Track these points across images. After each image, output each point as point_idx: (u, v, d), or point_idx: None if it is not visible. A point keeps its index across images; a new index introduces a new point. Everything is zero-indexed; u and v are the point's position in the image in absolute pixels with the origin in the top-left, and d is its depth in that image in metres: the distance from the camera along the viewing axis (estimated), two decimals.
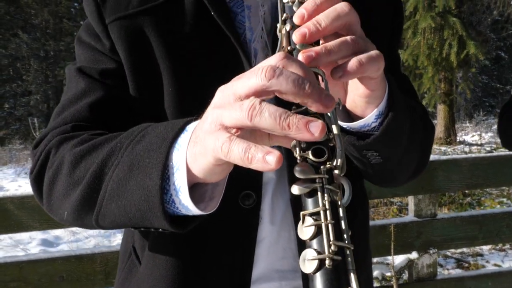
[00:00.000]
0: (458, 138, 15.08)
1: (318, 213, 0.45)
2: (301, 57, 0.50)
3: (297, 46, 0.52)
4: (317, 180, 0.46)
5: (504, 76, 30.64)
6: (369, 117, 0.64)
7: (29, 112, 26.57)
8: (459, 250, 4.09)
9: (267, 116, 0.43)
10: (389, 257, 2.17)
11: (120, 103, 0.78)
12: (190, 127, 0.55)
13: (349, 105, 0.65)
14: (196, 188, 0.57)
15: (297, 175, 0.46)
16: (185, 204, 0.55)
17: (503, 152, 2.30)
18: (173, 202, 0.56)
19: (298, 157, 0.47)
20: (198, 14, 0.77)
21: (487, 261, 3.92)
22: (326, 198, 0.45)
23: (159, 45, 0.77)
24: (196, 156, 0.51)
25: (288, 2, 0.56)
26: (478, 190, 4.92)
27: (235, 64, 0.76)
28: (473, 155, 2.32)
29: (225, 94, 0.48)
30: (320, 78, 0.52)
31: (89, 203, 0.65)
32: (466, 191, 4.83)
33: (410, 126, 0.72)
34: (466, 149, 12.87)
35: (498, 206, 5.37)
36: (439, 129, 14.16)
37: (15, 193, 1.84)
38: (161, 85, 0.77)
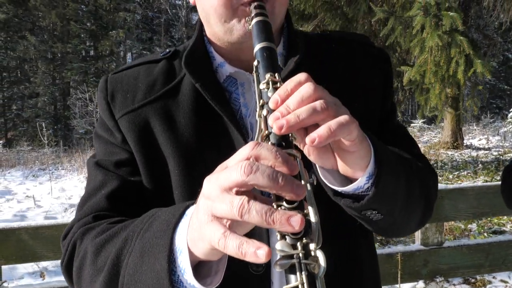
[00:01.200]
0: (465, 141, 15.01)
1: (297, 287, 0.50)
2: (275, 127, 0.56)
3: (272, 130, 0.57)
4: (294, 256, 0.50)
5: None
6: (360, 180, 0.69)
7: (37, 113, 26.76)
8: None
9: (255, 214, 0.49)
10: (396, 286, 2.19)
11: (133, 189, 0.86)
12: (189, 212, 0.62)
13: (340, 169, 0.70)
14: (201, 264, 0.63)
15: (277, 252, 0.51)
16: (191, 283, 0.60)
17: None
18: (181, 282, 0.61)
19: (278, 235, 0.52)
20: (195, 100, 0.85)
21: (494, 277, 3.93)
22: (303, 273, 0.50)
23: (163, 132, 0.85)
24: (195, 241, 0.57)
25: (264, 89, 0.63)
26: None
27: (232, 141, 0.83)
28: (479, 183, 2.31)
29: (212, 185, 0.54)
30: (295, 158, 0.57)
31: (112, 287, 0.71)
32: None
33: (405, 181, 0.76)
34: (473, 153, 12.81)
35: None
36: (446, 133, 14.10)
37: (30, 223, 1.88)
38: (168, 168, 0.85)
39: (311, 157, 0.67)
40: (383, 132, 0.91)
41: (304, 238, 0.52)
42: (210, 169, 0.65)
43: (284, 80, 0.63)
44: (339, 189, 0.71)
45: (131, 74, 0.92)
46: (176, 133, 0.84)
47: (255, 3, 0.74)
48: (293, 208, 0.52)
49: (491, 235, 5.19)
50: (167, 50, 0.94)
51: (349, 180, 0.71)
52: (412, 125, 22.35)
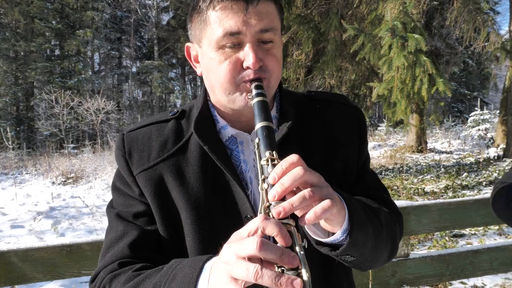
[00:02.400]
0: (428, 145, 15.62)
1: None
2: (274, 211, 0.72)
3: (272, 203, 0.74)
4: None
5: (472, 83, 31.77)
6: (337, 235, 0.87)
7: None
8: None
9: (267, 278, 0.65)
10: None
11: (151, 237, 0.99)
12: (207, 266, 0.78)
13: (322, 225, 0.88)
14: None
15: None
16: None
17: (468, 198, 2.53)
18: None
19: None
20: (202, 158, 1.00)
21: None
22: None
23: (175, 187, 0.98)
24: None
25: (264, 165, 0.80)
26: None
27: (234, 194, 0.98)
28: (441, 200, 2.50)
29: (230, 253, 0.69)
30: (291, 225, 0.73)
31: None
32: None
33: (372, 231, 0.94)
34: (436, 157, 13.36)
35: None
36: (411, 137, 14.65)
37: (19, 246, 1.94)
38: (180, 218, 0.98)
39: (302, 223, 0.82)
40: (360, 179, 1.08)
41: None
42: (216, 219, 0.88)
43: (279, 145, 0.81)
44: (323, 240, 0.89)
45: (144, 133, 1.05)
46: (187, 187, 0.98)
47: (255, 83, 0.90)
48: (291, 269, 0.68)
49: (452, 238, 5.51)
50: (175, 110, 1.09)
51: (328, 232, 0.89)
52: (379, 128, 22.99)
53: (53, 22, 27.75)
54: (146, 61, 32.54)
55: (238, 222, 0.95)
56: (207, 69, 0.98)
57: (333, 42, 6.19)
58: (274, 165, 0.78)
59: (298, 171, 0.75)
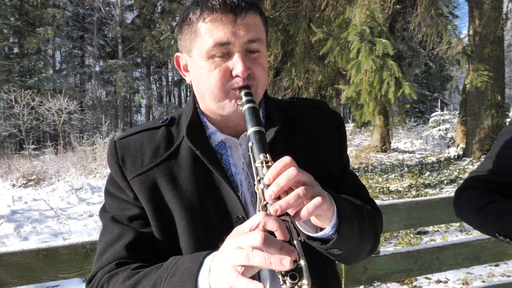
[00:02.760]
0: (392, 145, 16.12)
1: None
2: (272, 209, 0.78)
3: (269, 202, 0.81)
4: None
5: (432, 84, 32.96)
6: (326, 230, 0.94)
7: None
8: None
9: (257, 259, 0.70)
10: None
11: (146, 239, 1.02)
12: (207, 260, 0.82)
13: (312, 221, 0.94)
14: None
15: None
16: None
17: (433, 196, 2.66)
18: None
19: (281, 280, 0.72)
20: (193, 162, 1.04)
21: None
22: None
23: (169, 191, 1.02)
24: (217, 284, 0.77)
25: (259, 167, 0.86)
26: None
27: (225, 195, 1.02)
28: (409, 199, 2.62)
29: (232, 244, 0.75)
30: (288, 222, 0.80)
31: None
32: None
33: (358, 225, 1.01)
34: (400, 156, 13.80)
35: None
36: (375, 137, 15.07)
37: None
38: (174, 220, 1.01)
39: (296, 219, 0.88)
40: (342, 180, 1.15)
41: (299, 282, 0.73)
42: (209, 220, 0.93)
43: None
44: (314, 234, 0.95)
45: (136, 140, 1.08)
46: (180, 190, 1.01)
47: (245, 90, 0.95)
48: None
49: (416, 235, 5.74)
50: (165, 117, 1.12)
51: (318, 227, 0.95)
52: None
53: (12, 19, 26.71)
54: (110, 60, 31.89)
55: (230, 222, 1.00)
56: (197, 78, 1.02)
57: (301, 45, 6.31)
58: (268, 167, 0.84)
59: (292, 171, 0.81)
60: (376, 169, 11.10)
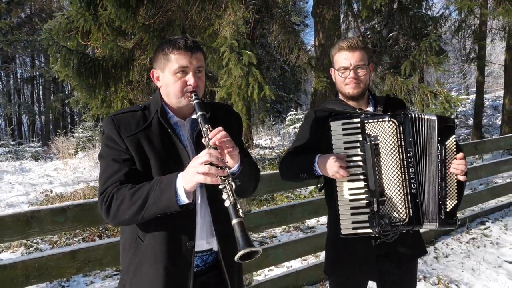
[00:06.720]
0: (254, 141, 17.62)
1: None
2: (214, 142, 1.56)
3: (211, 146, 1.54)
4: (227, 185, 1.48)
5: (288, 86, 36.15)
6: (235, 167, 1.69)
7: None
8: (261, 235, 5.58)
9: (212, 157, 1.47)
10: None
11: (136, 173, 1.67)
12: (180, 175, 1.55)
13: (229, 164, 1.68)
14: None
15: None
16: (184, 200, 1.51)
17: None
18: (179, 200, 1.50)
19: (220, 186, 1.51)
20: (160, 131, 1.74)
21: (279, 240, 5.48)
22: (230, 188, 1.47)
23: (146, 145, 1.70)
24: (188, 184, 1.49)
25: (205, 131, 1.60)
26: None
27: (179, 151, 1.74)
28: (271, 172, 3.56)
29: (193, 161, 1.49)
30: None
31: (141, 210, 1.55)
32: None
33: (249, 169, 1.80)
34: (261, 152, 15.26)
35: (286, 200, 7.29)
36: None
37: None
38: (150, 164, 1.69)
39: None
40: (240, 147, 1.95)
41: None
42: (170, 163, 1.67)
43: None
44: (230, 170, 1.70)
45: (125, 116, 1.72)
46: (153, 146, 1.68)
47: (194, 93, 1.70)
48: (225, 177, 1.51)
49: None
50: (140, 105, 1.79)
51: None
52: None
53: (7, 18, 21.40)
54: None
55: (182, 165, 1.64)
56: (166, 84, 1.72)
57: None
58: (210, 131, 1.56)
59: (223, 131, 1.55)
60: None
